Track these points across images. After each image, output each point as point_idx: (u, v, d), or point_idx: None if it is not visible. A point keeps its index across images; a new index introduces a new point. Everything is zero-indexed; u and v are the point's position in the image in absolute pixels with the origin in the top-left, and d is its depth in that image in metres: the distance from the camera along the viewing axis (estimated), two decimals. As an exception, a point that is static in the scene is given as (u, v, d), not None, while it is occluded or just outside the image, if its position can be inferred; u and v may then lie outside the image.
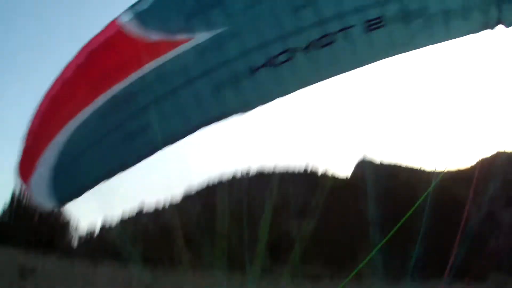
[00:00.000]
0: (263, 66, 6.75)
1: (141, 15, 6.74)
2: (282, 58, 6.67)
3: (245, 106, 7.04)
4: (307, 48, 6.63)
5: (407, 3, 6.36)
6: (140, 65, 6.88)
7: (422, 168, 37.87)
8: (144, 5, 6.76)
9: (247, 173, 41.80)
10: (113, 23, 6.92)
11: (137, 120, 7.10)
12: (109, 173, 7.48)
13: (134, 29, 6.81)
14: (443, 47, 6.86)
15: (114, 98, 6.99)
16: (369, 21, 6.47)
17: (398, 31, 6.57)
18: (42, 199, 8.13)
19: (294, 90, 7.00)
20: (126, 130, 7.16)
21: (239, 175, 41.56)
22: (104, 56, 6.99)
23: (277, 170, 39.73)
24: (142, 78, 6.89)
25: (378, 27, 6.52)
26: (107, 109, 7.03)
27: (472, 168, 30.82)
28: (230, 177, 40.65)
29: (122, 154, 7.40)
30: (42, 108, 7.39)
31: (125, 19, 6.83)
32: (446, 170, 7.21)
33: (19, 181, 8.03)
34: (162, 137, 7.00)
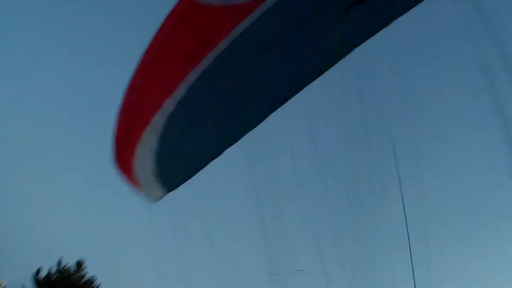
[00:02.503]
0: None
1: None
2: None
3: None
4: None
5: None
6: (226, 31, 6.57)
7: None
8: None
9: None
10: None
11: (240, 87, 6.63)
12: (218, 148, 7.21)
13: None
14: None
15: (207, 69, 6.61)
16: None
17: None
18: (151, 188, 7.58)
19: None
20: (230, 100, 6.79)
21: None
22: (185, 29, 6.74)
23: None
24: (233, 42, 6.50)
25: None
26: (203, 82, 6.65)
27: None
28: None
29: (230, 125, 7.08)
30: (131, 95, 7.01)
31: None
32: None
33: (120, 175, 7.43)
34: (268, 100, 6.67)
